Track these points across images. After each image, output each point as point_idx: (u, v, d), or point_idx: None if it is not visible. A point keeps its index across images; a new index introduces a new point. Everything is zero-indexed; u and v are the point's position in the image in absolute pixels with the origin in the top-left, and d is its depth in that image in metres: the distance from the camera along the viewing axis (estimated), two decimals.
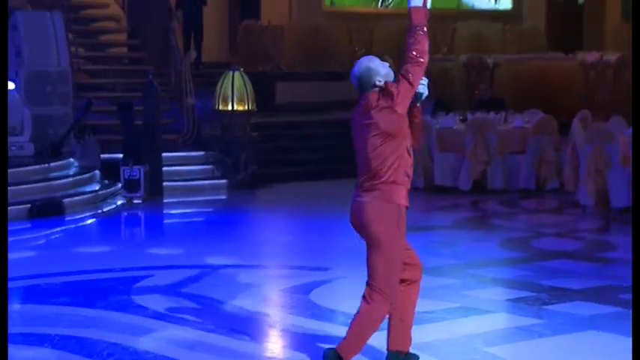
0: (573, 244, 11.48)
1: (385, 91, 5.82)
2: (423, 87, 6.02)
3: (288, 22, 20.86)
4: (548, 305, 8.14)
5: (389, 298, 5.98)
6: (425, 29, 5.81)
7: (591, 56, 17.76)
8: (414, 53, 5.77)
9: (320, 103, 18.65)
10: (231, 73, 15.91)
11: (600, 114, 14.87)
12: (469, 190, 14.90)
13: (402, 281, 6.17)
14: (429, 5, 5.92)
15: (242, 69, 16.24)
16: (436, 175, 15.08)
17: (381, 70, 5.88)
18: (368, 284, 6.02)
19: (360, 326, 6.05)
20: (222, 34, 22.07)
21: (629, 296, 8.40)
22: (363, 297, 6.04)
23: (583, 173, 13.23)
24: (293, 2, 21.13)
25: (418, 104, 6.13)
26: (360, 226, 6.02)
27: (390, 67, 5.99)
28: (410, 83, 5.78)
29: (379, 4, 22.10)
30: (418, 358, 6.37)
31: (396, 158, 5.86)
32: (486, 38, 22.16)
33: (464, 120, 15.53)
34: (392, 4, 21.94)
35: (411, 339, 6.30)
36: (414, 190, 15.10)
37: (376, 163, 5.87)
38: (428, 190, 14.78)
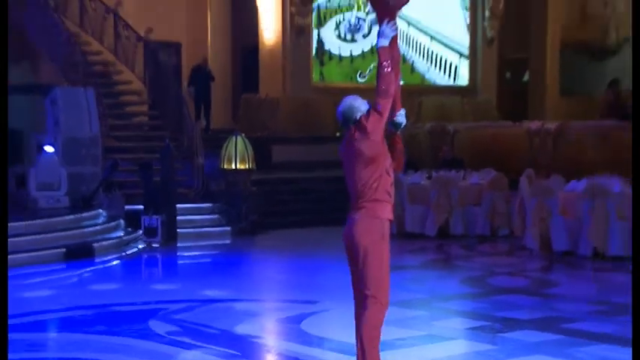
0: (522, 281, 11.42)
1: (360, 124, 5.74)
2: (401, 117, 6.00)
3: (282, 96, 20.91)
4: (502, 333, 8.03)
5: (383, 303, 5.86)
6: (388, 64, 5.72)
7: (534, 125, 17.80)
8: (381, 87, 5.71)
9: (309, 162, 18.69)
10: (234, 137, 15.94)
11: (542, 173, 14.89)
12: (434, 236, 14.89)
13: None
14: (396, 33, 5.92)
15: (243, 134, 16.29)
16: (407, 223, 15.04)
17: (362, 107, 5.80)
18: (364, 294, 5.86)
19: (367, 334, 5.84)
20: (226, 105, 22.17)
21: (570, 325, 8.40)
22: (363, 307, 5.87)
23: (529, 222, 13.34)
24: (286, 79, 21.17)
25: (398, 132, 6.06)
26: (352, 240, 5.88)
27: None
28: (379, 113, 5.70)
29: (357, 76, 21.96)
30: None
31: (376, 179, 5.79)
32: (448, 109, 22.30)
33: (429, 177, 15.59)
34: (367, 78, 21.82)
35: None
36: None
37: (360, 184, 5.81)
38: (400, 235, 14.69)
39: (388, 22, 5.87)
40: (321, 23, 21.61)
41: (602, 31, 23.88)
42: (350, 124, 5.83)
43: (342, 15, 21.60)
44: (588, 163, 15.81)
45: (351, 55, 21.75)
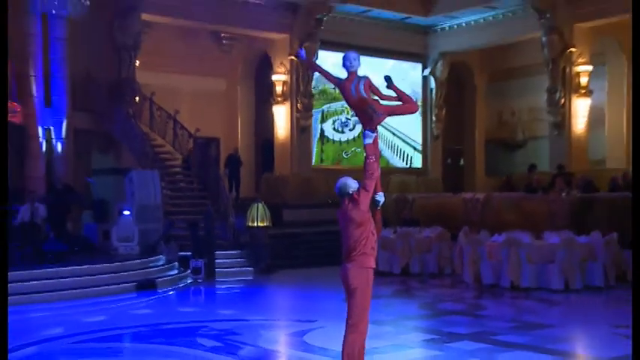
0: (461, 306, 11.27)
1: (352, 197, 5.74)
2: (380, 196, 5.95)
3: (291, 174, 20.95)
4: (447, 343, 7.96)
5: (362, 331, 5.76)
6: (373, 158, 5.73)
7: (468, 195, 17.84)
8: (368, 172, 5.70)
9: (310, 221, 18.66)
10: (256, 204, 15.87)
11: (474, 229, 14.84)
12: (399, 274, 14.72)
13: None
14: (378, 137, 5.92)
15: (263, 201, 16.18)
16: (379, 264, 14.79)
17: (353, 185, 5.77)
18: (347, 323, 5.75)
19: (349, 354, 5.73)
20: (251, 181, 22.14)
21: (495, 337, 8.29)
22: (345, 333, 5.74)
23: (465, 263, 13.22)
24: (293, 162, 21.26)
25: (378, 208, 6.03)
26: (345, 281, 5.82)
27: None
28: (366, 191, 5.69)
29: (343, 154, 22.42)
30: None
31: (364, 238, 5.73)
32: (407, 184, 22.27)
33: (395, 232, 15.49)
34: (350, 156, 22.40)
35: None
36: None
37: (352, 241, 5.76)
38: (374, 273, 14.50)
39: (371, 129, 5.89)
40: (324, 120, 22.25)
41: (512, 132, 24.17)
42: (344, 196, 5.80)
43: (337, 116, 22.44)
44: (506, 222, 15.82)
45: (340, 140, 22.53)
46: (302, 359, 7.22)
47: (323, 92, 22.10)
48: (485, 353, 7.43)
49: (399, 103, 6.04)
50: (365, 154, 5.83)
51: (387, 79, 5.98)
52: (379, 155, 6.13)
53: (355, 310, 5.76)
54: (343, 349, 5.76)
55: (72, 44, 16.96)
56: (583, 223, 14.76)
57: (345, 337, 5.77)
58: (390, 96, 6.05)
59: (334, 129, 22.32)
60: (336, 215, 5.94)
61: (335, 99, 21.99)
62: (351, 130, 22.49)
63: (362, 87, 5.88)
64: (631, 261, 11.65)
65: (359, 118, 6.14)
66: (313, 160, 21.79)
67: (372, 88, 5.95)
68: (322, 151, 22.15)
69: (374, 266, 5.86)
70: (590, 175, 17.58)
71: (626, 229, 13.78)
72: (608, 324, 9.39)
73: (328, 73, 6.23)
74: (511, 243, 12.53)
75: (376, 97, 6.01)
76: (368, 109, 5.84)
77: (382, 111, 5.88)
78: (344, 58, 5.94)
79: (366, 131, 5.88)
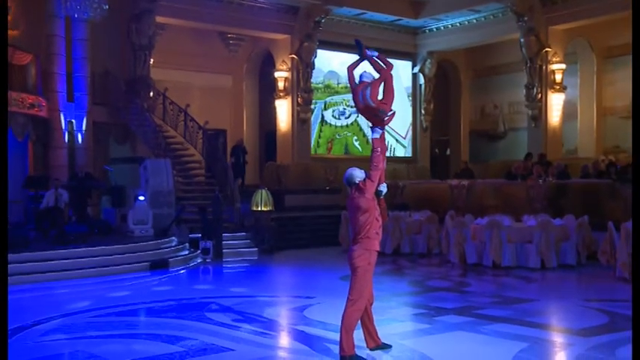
0: (447, 283, 11.21)
1: (358, 186, 5.76)
2: (383, 187, 6.03)
3: (291, 163, 20.85)
4: (435, 317, 7.91)
5: (360, 307, 5.78)
6: (379, 150, 5.84)
7: (454, 182, 17.76)
8: (374, 164, 5.78)
9: (309, 206, 18.60)
10: (260, 190, 15.83)
11: (460, 213, 14.81)
12: (391, 254, 14.68)
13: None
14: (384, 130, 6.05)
15: (266, 188, 16.16)
16: None
17: (359, 175, 5.81)
18: (348, 297, 5.78)
19: (346, 326, 5.75)
20: (255, 169, 22.05)
21: (478, 311, 8.25)
22: (345, 307, 5.77)
23: (452, 244, 13.17)
24: (294, 152, 21.13)
25: (382, 197, 6.09)
26: (350, 261, 5.84)
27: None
28: (371, 180, 5.77)
29: (336, 135, 22.52)
30: (391, 347, 6.22)
31: (369, 223, 5.77)
32: (399, 171, 22.25)
33: (387, 216, 15.37)
34: (340, 138, 22.49)
35: (377, 338, 6.18)
36: None
37: (358, 226, 5.79)
38: None
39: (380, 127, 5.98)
40: (326, 109, 22.29)
41: (494, 124, 24.06)
42: (351, 186, 5.81)
43: (337, 106, 22.55)
44: (488, 206, 15.79)
45: (335, 125, 22.58)
46: (302, 332, 7.16)
47: (327, 86, 22.35)
48: (469, 325, 7.39)
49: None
50: (372, 147, 5.89)
51: (357, 43, 6.08)
52: (385, 149, 6.15)
53: (356, 287, 5.76)
54: (342, 320, 5.76)
55: (92, 44, 17.07)
56: (558, 207, 14.73)
57: (344, 310, 5.76)
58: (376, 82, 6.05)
59: (333, 116, 22.53)
60: (346, 204, 5.96)
61: (337, 92, 22.37)
62: (346, 118, 22.68)
63: (368, 94, 6.00)
64: (601, 242, 11.63)
65: (366, 118, 6.19)
66: (312, 141, 21.75)
67: (372, 91, 6.01)
68: (321, 130, 22.31)
69: (377, 249, 5.86)
70: (564, 163, 17.53)
71: (596, 213, 13.77)
72: (580, 298, 9.38)
73: (353, 76, 6.25)
74: (493, 225, 12.49)
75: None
76: (379, 114, 5.95)
77: (389, 109, 5.95)
78: (361, 76, 6.14)
79: (375, 127, 5.95)
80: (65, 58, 16.50)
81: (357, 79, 6.20)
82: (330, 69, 22.35)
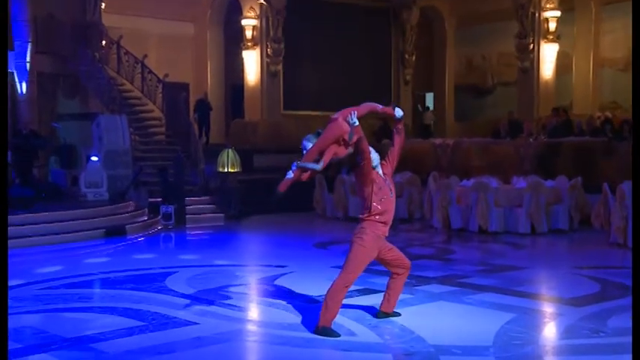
0: (430, 250, 11.26)
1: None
2: (398, 111, 6.28)
3: (260, 120, 20.68)
4: (416, 286, 7.91)
5: (349, 281, 5.90)
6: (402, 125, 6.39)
7: (438, 141, 17.83)
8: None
9: (279, 167, 18.34)
10: (226, 149, 15.69)
11: (444, 174, 14.85)
12: None
13: (394, 273, 6.37)
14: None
15: (233, 147, 16.01)
16: (350, 210, 14.78)
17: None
18: (342, 267, 5.94)
19: (332, 293, 5.87)
20: (221, 127, 21.91)
21: (463, 280, 8.33)
22: (337, 276, 5.91)
23: (435, 208, 13.22)
24: (263, 108, 20.95)
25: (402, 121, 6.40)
26: (353, 237, 6.05)
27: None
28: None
29: None
30: (399, 314, 6.46)
31: (367, 196, 6.08)
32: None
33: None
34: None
35: (393, 306, 6.43)
36: (336, 220, 14.97)
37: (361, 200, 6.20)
38: (345, 219, 14.54)
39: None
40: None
41: (481, 77, 24.04)
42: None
43: None
44: (474, 167, 15.87)
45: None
46: (273, 304, 7.14)
47: None
48: (453, 295, 7.44)
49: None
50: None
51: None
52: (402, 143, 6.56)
53: (351, 261, 5.91)
54: (330, 288, 5.89)
55: None
56: (550, 168, 14.85)
57: (335, 279, 5.92)
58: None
59: None
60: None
61: None
62: None
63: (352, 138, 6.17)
64: (595, 204, 11.78)
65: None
66: (282, 106, 21.48)
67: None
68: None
69: (380, 234, 6.07)
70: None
71: (590, 174, 13.93)
72: (572, 265, 9.50)
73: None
74: (479, 188, 12.53)
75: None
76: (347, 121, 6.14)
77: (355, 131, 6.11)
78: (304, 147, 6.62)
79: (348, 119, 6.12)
80: None
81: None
82: None
